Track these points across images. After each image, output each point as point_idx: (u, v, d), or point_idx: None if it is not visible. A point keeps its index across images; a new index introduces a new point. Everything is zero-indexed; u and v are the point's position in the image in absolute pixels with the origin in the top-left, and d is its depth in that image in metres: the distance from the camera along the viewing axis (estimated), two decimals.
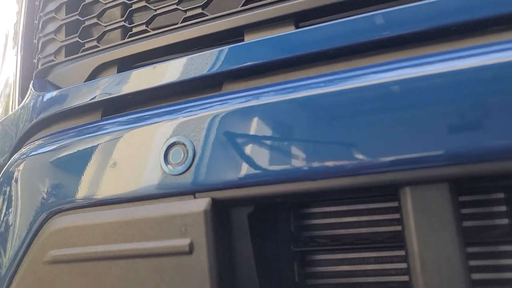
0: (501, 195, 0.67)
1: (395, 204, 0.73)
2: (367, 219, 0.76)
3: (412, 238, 0.51)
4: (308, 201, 0.70)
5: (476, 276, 0.64)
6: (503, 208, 0.67)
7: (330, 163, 0.53)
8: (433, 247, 0.51)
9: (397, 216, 0.74)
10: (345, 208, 0.75)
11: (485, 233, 0.67)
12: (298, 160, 0.55)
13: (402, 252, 0.74)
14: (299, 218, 0.76)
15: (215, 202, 0.58)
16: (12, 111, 1.08)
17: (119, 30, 0.90)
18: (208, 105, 0.62)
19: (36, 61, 1.03)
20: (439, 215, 0.50)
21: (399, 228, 0.73)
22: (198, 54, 0.69)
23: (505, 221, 0.67)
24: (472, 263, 0.65)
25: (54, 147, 0.73)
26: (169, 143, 0.61)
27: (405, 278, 0.73)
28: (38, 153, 0.74)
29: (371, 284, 0.75)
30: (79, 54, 0.90)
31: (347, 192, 0.57)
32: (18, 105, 1.01)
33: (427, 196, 0.51)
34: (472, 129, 0.49)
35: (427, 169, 0.50)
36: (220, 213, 0.60)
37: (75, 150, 0.70)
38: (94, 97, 0.75)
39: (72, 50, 0.93)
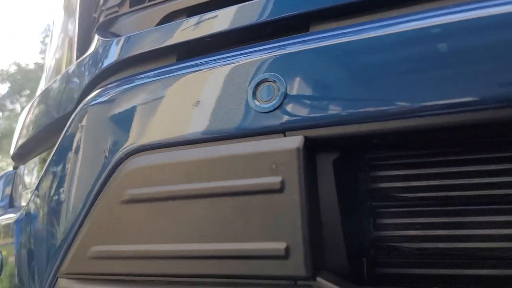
0: None
1: (475, 167, 0.70)
2: (441, 183, 0.73)
3: None
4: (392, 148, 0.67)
5: None
6: None
7: (444, 96, 0.50)
8: None
9: (475, 180, 0.71)
10: (420, 171, 0.73)
11: None
12: (403, 92, 0.52)
13: (473, 218, 0.71)
14: (376, 179, 0.73)
15: (306, 141, 0.56)
16: (66, 67, 1.07)
17: None
18: (299, 43, 0.60)
19: (97, 15, 1.02)
20: None
21: (475, 192, 0.70)
22: None
23: None
24: None
25: (130, 88, 0.71)
26: (259, 80, 0.59)
27: (475, 244, 0.70)
28: (114, 95, 0.73)
29: (442, 250, 0.72)
30: (145, 4, 0.89)
31: (464, 131, 0.54)
32: (76, 60, 1.00)
33: None
34: None
35: None
36: (310, 154, 0.58)
37: (154, 91, 0.68)
38: (170, 40, 0.73)
39: (137, 0, 0.91)
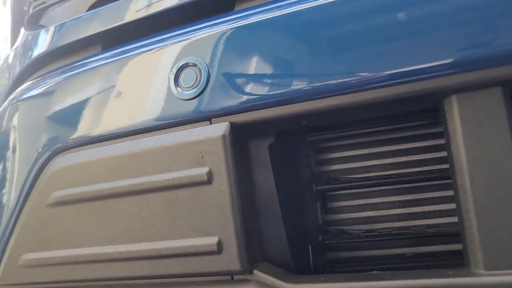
0: None
1: (421, 144, 0.68)
2: (391, 161, 0.70)
3: (460, 153, 0.46)
4: (334, 128, 0.64)
5: None
6: None
7: (364, 73, 0.47)
8: (483, 160, 0.45)
9: (424, 156, 0.68)
10: (366, 151, 0.70)
11: None
12: (325, 72, 0.49)
13: (427, 195, 0.68)
14: (321, 162, 0.70)
15: (233, 127, 0.52)
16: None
17: None
18: (222, 24, 0.56)
19: (27, 7, 0.96)
20: (491, 125, 0.45)
21: (426, 168, 0.68)
22: None
23: None
24: None
25: (52, 84, 0.66)
26: (180, 65, 0.55)
27: (429, 221, 0.68)
28: (35, 93, 0.68)
29: (395, 229, 0.70)
30: None
31: (385, 107, 0.51)
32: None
33: (477, 104, 0.45)
34: None
35: (475, 72, 0.44)
36: (240, 141, 0.54)
37: (76, 85, 0.63)
38: (93, 29, 0.68)
39: None
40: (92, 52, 0.70)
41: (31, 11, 0.92)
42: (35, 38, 0.78)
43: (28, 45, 0.79)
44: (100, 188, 0.57)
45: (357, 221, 0.71)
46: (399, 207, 0.69)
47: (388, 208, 0.70)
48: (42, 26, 0.87)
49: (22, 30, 0.85)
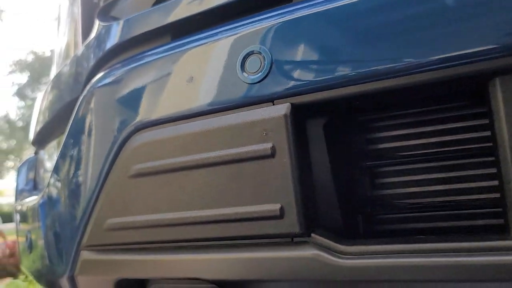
0: None
1: (463, 124, 0.72)
2: (435, 140, 0.75)
3: (502, 129, 0.51)
4: (382, 109, 0.70)
5: None
6: None
7: (415, 57, 0.52)
8: None
9: (465, 136, 0.72)
10: (412, 131, 0.75)
11: None
12: (377, 57, 0.54)
13: (468, 172, 0.72)
14: (370, 140, 0.76)
15: (294, 107, 0.59)
16: (73, 53, 1.12)
17: None
18: (283, 14, 0.62)
19: (97, 0, 1.05)
20: None
21: (469, 146, 0.72)
22: None
23: None
24: None
25: (129, 71, 0.75)
26: (245, 53, 0.62)
27: (472, 196, 0.72)
28: (116, 78, 0.77)
29: (438, 204, 0.75)
30: None
31: (432, 89, 0.56)
32: (82, 43, 1.04)
33: None
34: None
35: None
36: (299, 120, 0.61)
37: (151, 71, 0.72)
38: (163, 21, 0.76)
39: None
40: (162, 42, 0.78)
41: (102, 3, 1.01)
42: (109, 30, 0.87)
43: (102, 37, 0.89)
44: (176, 161, 0.66)
45: (403, 196, 0.76)
46: (442, 184, 0.74)
47: (432, 185, 0.75)
48: (114, 18, 0.96)
49: (96, 22, 0.94)
